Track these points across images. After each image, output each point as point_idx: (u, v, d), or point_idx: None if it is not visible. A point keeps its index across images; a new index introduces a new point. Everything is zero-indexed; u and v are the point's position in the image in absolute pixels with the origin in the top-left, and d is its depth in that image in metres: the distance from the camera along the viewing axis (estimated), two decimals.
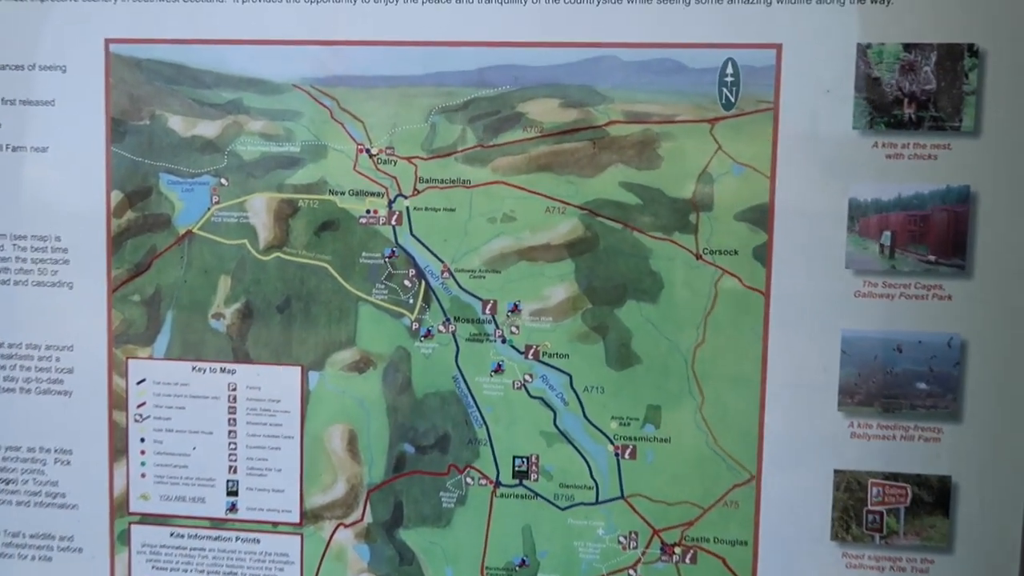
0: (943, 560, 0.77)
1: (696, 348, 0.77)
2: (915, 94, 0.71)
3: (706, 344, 0.77)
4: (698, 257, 0.76)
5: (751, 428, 0.77)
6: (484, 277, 0.79)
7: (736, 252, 0.76)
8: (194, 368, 0.82)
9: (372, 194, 0.79)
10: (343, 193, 0.79)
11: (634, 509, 0.79)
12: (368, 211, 0.79)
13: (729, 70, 0.74)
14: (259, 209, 0.80)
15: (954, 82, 0.71)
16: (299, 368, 0.81)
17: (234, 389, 0.82)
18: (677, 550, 0.79)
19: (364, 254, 0.80)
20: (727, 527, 0.79)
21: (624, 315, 0.77)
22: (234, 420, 0.82)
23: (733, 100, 0.74)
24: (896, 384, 0.75)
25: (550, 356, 0.79)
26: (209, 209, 0.81)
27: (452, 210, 0.78)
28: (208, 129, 0.80)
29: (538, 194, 0.77)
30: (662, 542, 0.79)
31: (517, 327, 0.79)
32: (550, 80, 0.76)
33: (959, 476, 0.76)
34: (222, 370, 0.82)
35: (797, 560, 0.78)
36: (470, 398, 0.80)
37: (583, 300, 0.78)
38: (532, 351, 0.79)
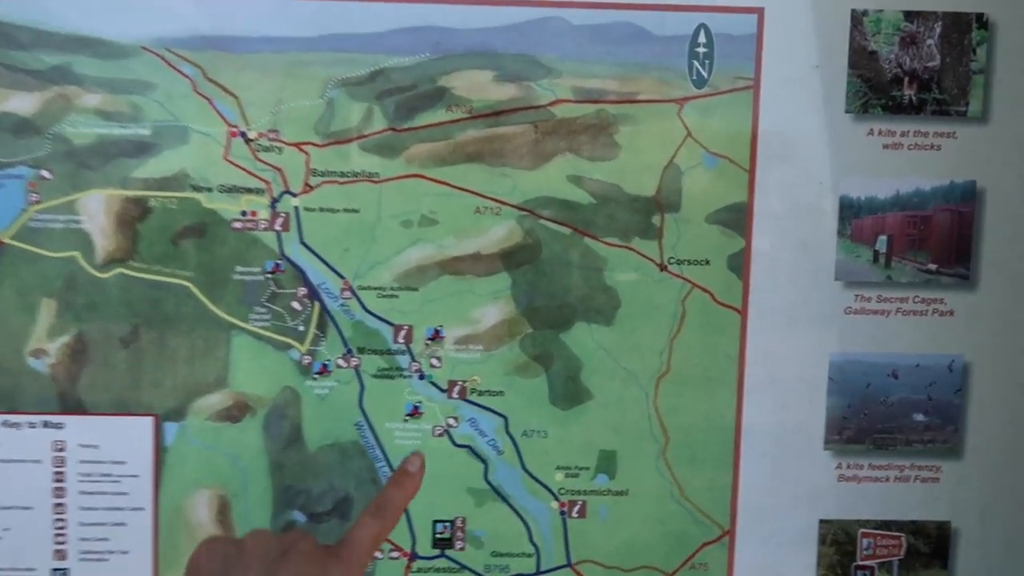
0: None
1: (659, 379, 0.59)
2: (916, 72, 0.56)
3: (671, 374, 0.58)
4: (663, 268, 0.58)
5: (723, 475, 0.59)
6: (397, 296, 0.58)
7: (708, 262, 0.58)
8: (6, 423, 0.57)
9: (249, 191, 0.56)
10: (210, 189, 0.56)
11: None
12: (244, 213, 0.57)
13: (701, 39, 0.56)
14: (95, 211, 0.56)
15: (960, 58, 0.56)
16: (151, 419, 0.57)
17: (62, 449, 0.57)
18: None
19: (239, 268, 0.57)
20: None
21: (572, 341, 0.58)
22: (62, 489, 0.57)
23: (706, 76, 0.56)
24: (891, 416, 0.60)
25: (480, 394, 0.58)
26: (25, 211, 0.56)
27: (355, 211, 0.57)
28: (23, 104, 0.56)
29: (466, 191, 0.57)
30: None
31: (439, 359, 0.59)
32: (481, 47, 0.55)
33: (959, 521, 0.60)
34: (45, 424, 0.57)
35: None
36: (378, 450, 0.59)
37: (521, 323, 0.58)
38: (457, 388, 0.58)
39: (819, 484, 0.60)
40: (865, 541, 0.61)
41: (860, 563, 0.61)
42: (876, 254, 0.58)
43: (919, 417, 0.59)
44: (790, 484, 0.60)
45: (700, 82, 0.56)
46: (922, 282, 0.58)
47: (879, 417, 0.59)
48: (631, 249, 0.57)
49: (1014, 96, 0.56)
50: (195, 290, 0.57)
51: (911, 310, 0.58)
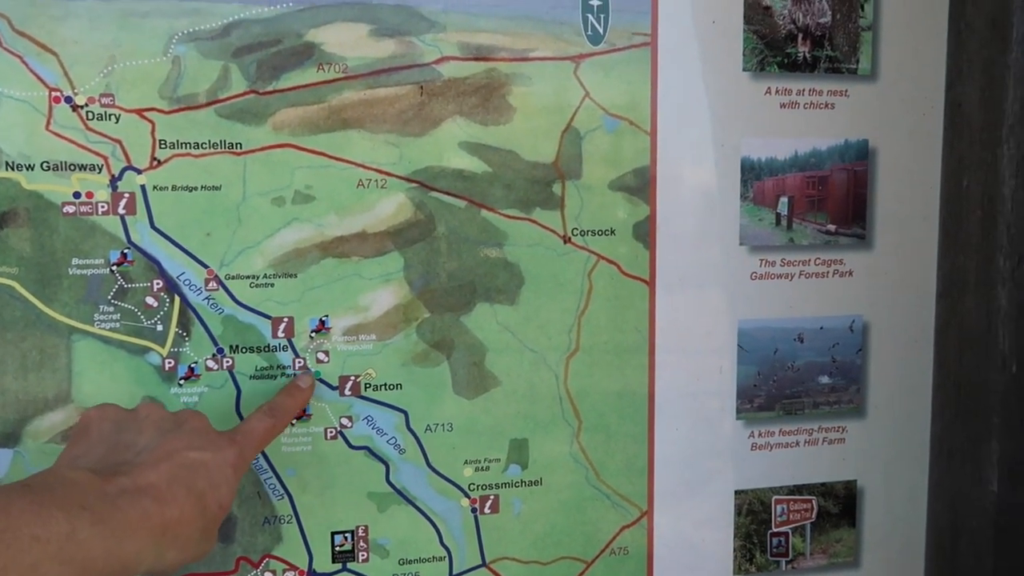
0: None
1: (569, 359, 0.44)
2: (809, 28, 0.43)
3: (581, 353, 0.43)
4: (566, 240, 0.43)
5: (639, 454, 0.45)
6: (272, 284, 0.40)
7: (613, 231, 0.43)
8: None
9: (82, 168, 0.37)
10: (30, 167, 0.37)
11: None
12: (77, 195, 0.38)
13: None
14: None
15: (850, 15, 0.43)
16: None
17: None
18: None
19: (76, 261, 0.38)
20: None
21: (474, 323, 0.42)
22: None
23: (601, 31, 0.41)
24: (798, 380, 0.47)
25: (376, 389, 0.42)
26: None
27: (216, 188, 0.39)
28: None
29: (345, 161, 0.40)
30: None
31: (326, 353, 0.41)
32: None
33: (864, 479, 0.48)
34: None
35: None
36: (262, 459, 0.41)
37: (417, 307, 0.42)
38: (350, 384, 0.41)
39: (733, 455, 0.47)
40: (779, 508, 0.48)
41: (775, 530, 0.48)
42: (778, 216, 0.45)
43: (824, 379, 0.47)
44: (705, 457, 0.46)
45: (596, 38, 0.41)
46: (822, 243, 0.46)
47: (787, 382, 0.46)
48: (532, 221, 0.42)
49: (900, 53, 0.45)
50: (21, 289, 0.37)
51: (813, 272, 0.46)
